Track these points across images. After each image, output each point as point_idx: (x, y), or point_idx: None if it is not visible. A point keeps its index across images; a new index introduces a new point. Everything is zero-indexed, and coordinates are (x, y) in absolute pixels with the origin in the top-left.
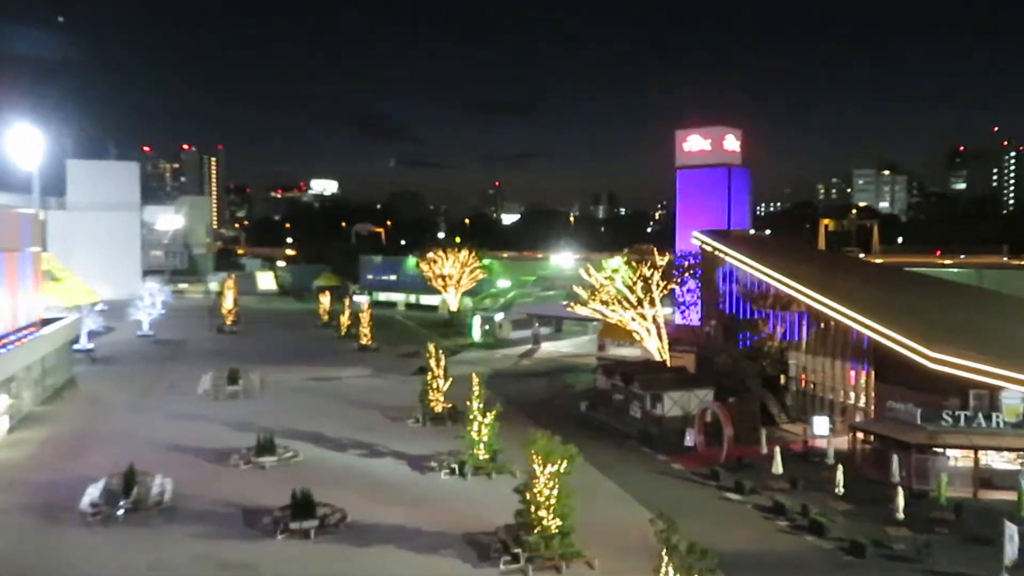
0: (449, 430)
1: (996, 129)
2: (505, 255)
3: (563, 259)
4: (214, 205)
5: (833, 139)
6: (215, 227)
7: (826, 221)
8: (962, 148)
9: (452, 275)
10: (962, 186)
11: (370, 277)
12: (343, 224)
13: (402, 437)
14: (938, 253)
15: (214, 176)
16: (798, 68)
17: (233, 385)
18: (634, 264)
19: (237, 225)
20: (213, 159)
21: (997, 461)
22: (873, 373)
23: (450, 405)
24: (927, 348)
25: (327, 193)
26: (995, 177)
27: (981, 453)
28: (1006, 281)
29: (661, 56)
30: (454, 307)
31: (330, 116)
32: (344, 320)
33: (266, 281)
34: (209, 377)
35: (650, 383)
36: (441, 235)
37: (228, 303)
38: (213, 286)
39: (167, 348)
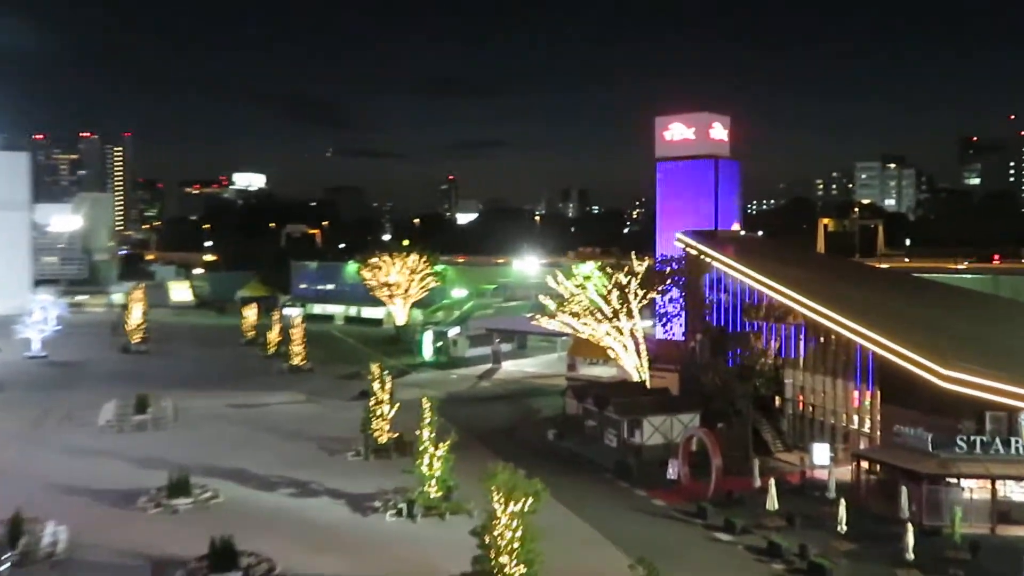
0: (395, 464)
1: (1013, 118)
2: (461, 260)
3: (527, 264)
4: (119, 203)
5: (833, 129)
6: (120, 229)
7: (825, 221)
8: (975, 139)
9: (399, 284)
10: (976, 181)
11: (303, 286)
12: (272, 225)
13: (341, 473)
14: (997, 258)
15: (120, 169)
16: (793, 53)
17: (141, 414)
18: (609, 270)
19: (146, 226)
20: (118, 149)
21: (1017, 492)
22: (879, 394)
23: (397, 435)
24: (939, 365)
25: (253, 188)
26: (1012, 171)
27: (999, 483)
28: None
29: (643, 38)
30: (401, 321)
31: (256, 99)
32: (273, 337)
33: (180, 292)
34: (112, 405)
35: (627, 407)
36: (386, 237)
37: (135, 318)
38: (117, 298)
39: (63, 371)
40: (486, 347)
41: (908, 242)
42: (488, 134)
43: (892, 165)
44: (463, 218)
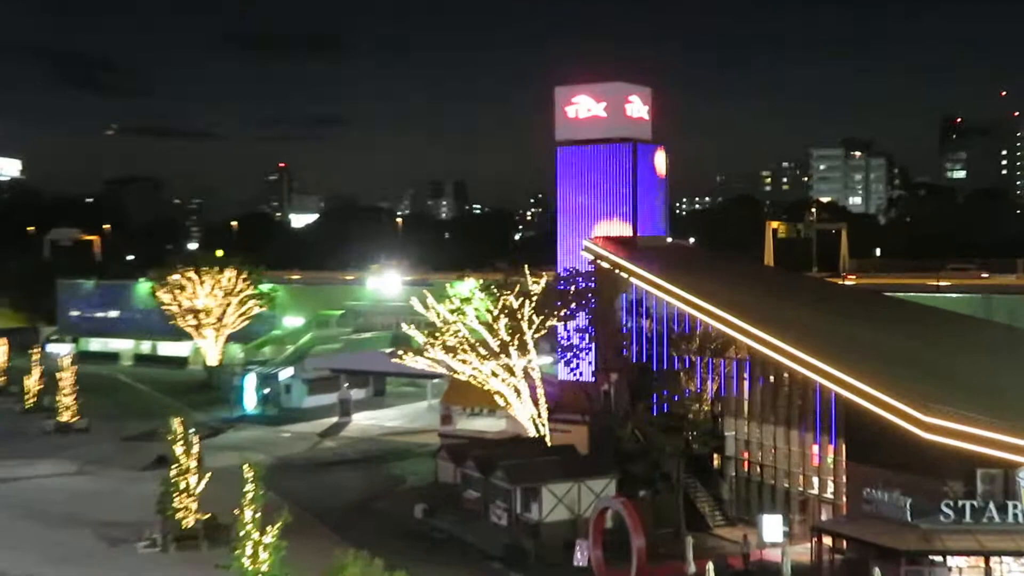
0: (206, 557)
1: (1005, 95)
2: (295, 277)
3: (386, 282)
4: None
5: (783, 109)
6: None
7: (775, 224)
8: (959, 121)
9: (210, 310)
10: (961, 174)
11: (76, 314)
12: (30, 229)
13: (129, 570)
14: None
15: None
16: (730, 9)
17: None
18: (495, 290)
19: None
20: None
21: (1015, 570)
22: (844, 449)
23: (208, 516)
24: (919, 410)
25: (3, 178)
26: (1004, 161)
27: (995, 560)
28: (1023, 310)
29: None
30: (214, 360)
31: (7, 57)
32: (31, 384)
33: None
34: None
35: (521, 472)
36: (193, 246)
37: None
38: None
39: None
40: (331, 394)
41: (878, 251)
42: (331, 108)
43: (857, 153)
44: (298, 220)
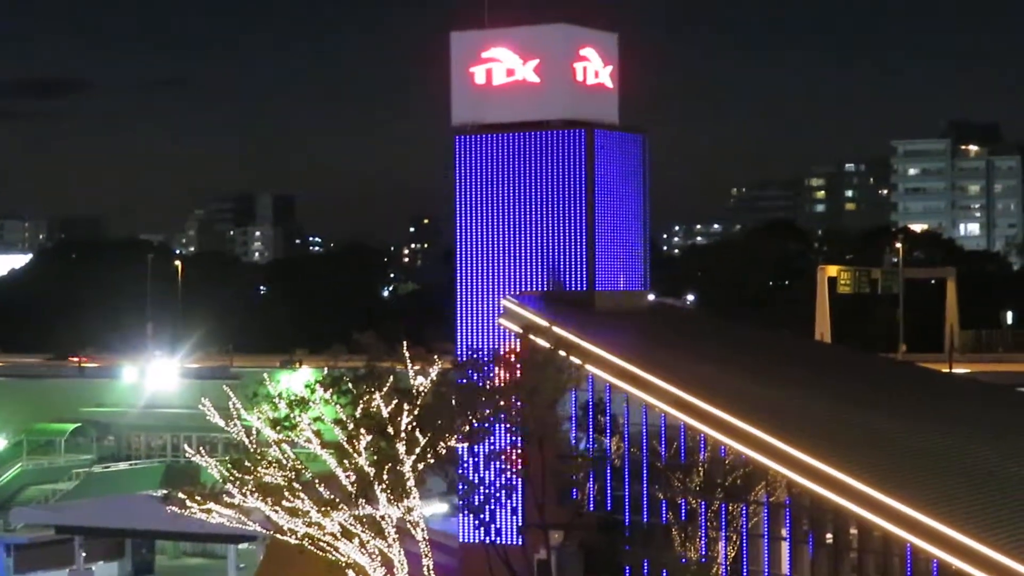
0: None
1: None
2: None
3: (156, 372)
4: None
5: (845, 78)
6: None
7: (831, 269)
8: None
9: None
10: None
11: None
12: None
13: None
14: None
15: None
16: None
17: None
18: (351, 386)
19: None
20: None
21: None
22: None
23: None
24: None
25: None
26: None
27: None
28: None
29: None
30: None
31: None
32: None
33: None
34: None
35: None
36: None
37: None
38: None
39: None
40: (56, 571)
41: (1009, 316)
42: (63, 67)
43: (973, 148)
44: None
